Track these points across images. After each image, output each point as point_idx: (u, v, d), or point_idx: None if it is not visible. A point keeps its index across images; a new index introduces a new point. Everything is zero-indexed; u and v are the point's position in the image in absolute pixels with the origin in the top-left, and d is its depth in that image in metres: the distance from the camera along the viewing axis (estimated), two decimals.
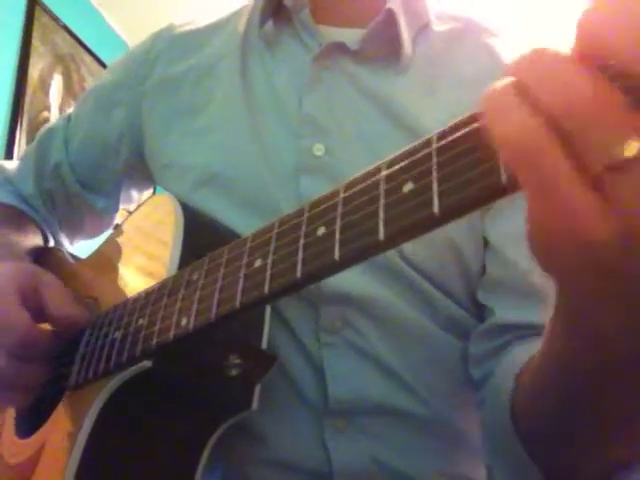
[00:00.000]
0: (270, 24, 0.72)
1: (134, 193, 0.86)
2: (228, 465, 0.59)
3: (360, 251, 0.32)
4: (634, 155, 0.22)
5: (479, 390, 0.58)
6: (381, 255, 0.57)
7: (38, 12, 2.18)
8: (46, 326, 0.62)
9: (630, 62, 0.22)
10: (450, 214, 0.27)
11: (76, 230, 0.88)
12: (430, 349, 0.61)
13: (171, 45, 0.77)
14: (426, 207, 0.28)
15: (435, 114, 0.63)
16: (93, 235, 0.89)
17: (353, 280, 0.59)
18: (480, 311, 0.62)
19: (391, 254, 0.59)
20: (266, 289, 0.38)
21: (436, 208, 0.27)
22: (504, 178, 0.25)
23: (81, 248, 0.86)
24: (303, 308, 0.59)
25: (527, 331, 0.55)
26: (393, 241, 0.31)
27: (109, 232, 0.86)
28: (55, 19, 2.28)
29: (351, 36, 0.67)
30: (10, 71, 2.04)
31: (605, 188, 0.23)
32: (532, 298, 0.56)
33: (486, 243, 0.62)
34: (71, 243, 0.89)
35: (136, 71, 0.78)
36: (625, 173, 0.22)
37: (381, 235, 0.30)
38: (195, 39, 0.77)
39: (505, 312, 0.57)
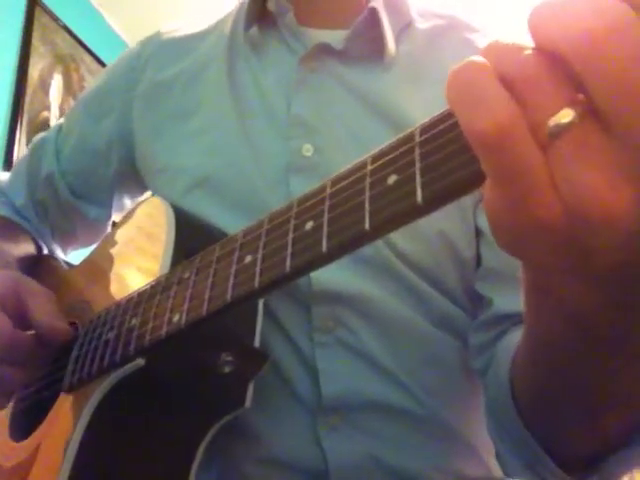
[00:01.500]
0: (255, 29, 0.73)
1: (127, 201, 0.86)
2: (224, 464, 0.59)
3: (347, 242, 0.33)
4: (569, 121, 0.22)
5: (482, 378, 0.58)
6: (375, 253, 0.59)
7: (38, 12, 2.18)
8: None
9: (567, 52, 0.23)
10: (433, 203, 0.28)
11: (69, 239, 0.88)
12: (423, 347, 0.61)
13: (160, 50, 0.78)
14: (410, 197, 0.28)
15: (421, 109, 0.63)
16: (86, 244, 0.89)
17: (345, 279, 0.59)
18: (476, 303, 0.63)
19: (385, 252, 0.60)
20: (256, 283, 0.38)
21: (419, 198, 0.28)
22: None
23: (78, 256, 0.86)
24: (296, 308, 0.60)
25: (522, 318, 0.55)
26: (378, 231, 0.31)
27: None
28: (55, 19, 2.28)
29: (336, 37, 0.68)
30: (10, 71, 2.04)
31: (550, 157, 0.23)
32: None
33: (480, 233, 0.63)
34: (64, 253, 0.89)
35: (126, 77, 0.79)
36: (563, 140, 0.23)
37: (367, 225, 0.31)
38: (183, 44, 0.77)
39: (503, 301, 0.58)
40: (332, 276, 0.58)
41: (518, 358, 0.45)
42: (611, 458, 0.41)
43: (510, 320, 0.56)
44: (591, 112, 0.22)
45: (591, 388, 0.36)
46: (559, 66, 0.23)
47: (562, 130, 0.23)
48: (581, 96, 0.23)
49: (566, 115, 0.23)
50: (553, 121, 0.23)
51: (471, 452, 0.62)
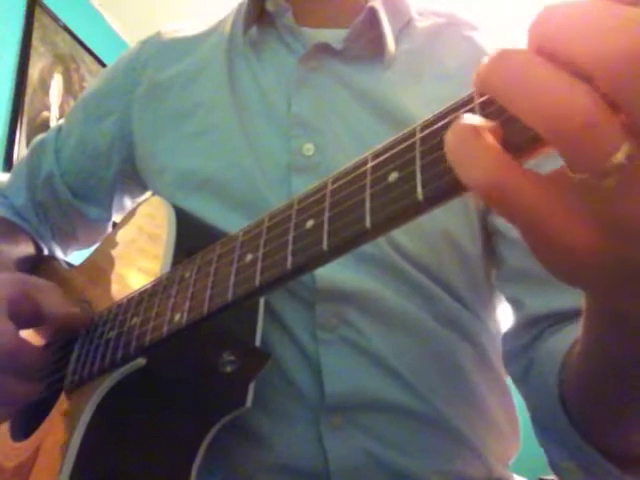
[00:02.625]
0: (254, 29, 0.73)
1: (127, 201, 0.86)
2: (227, 467, 0.59)
3: (348, 240, 0.32)
4: (620, 162, 0.21)
5: (518, 384, 0.58)
6: (378, 251, 0.59)
7: (38, 12, 2.19)
8: (37, 338, 0.62)
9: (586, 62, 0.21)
10: (434, 200, 0.28)
11: (69, 240, 0.88)
12: (427, 345, 0.60)
13: (159, 51, 0.78)
14: (410, 194, 0.28)
15: (421, 107, 0.63)
16: (87, 245, 0.89)
17: (348, 276, 0.59)
18: (482, 304, 0.63)
19: (387, 250, 0.60)
20: (257, 282, 0.38)
21: (420, 195, 0.28)
22: None
23: (78, 256, 0.86)
24: (299, 306, 0.59)
25: (559, 318, 0.55)
26: (379, 229, 0.31)
27: None
28: (55, 19, 2.28)
29: (335, 36, 0.68)
30: (10, 71, 2.04)
31: (583, 196, 0.23)
32: (560, 285, 0.57)
33: (498, 233, 0.62)
34: (64, 254, 0.89)
35: (125, 78, 0.79)
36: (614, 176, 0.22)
37: (367, 223, 0.31)
38: (183, 45, 0.77)
39: (537, 303, 0.58)
40: (336, 274, 0.58)
41: (572, 368, 0.46)
42: None
43: (544, 322, 0.56)
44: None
45: None
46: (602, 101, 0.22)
47: (618, 168, 0.22)
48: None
49: (622, 152, 0.21)
50: (612, 160, 0.22)
51: (473, 453, 0.62)
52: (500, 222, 0.62)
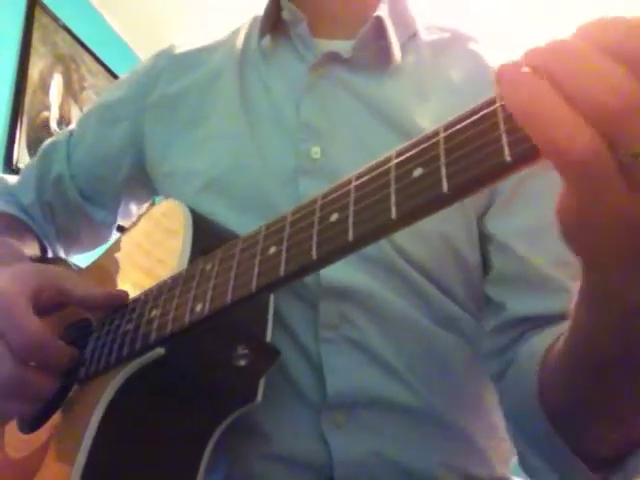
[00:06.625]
0: (268, 37, 0.75)
1: (133, 207, 0.88)
2: (231, 463, 0.60)
3: (373, 231, 0.34)
4: None
5: (497, 382, 0.59)
6: (380, 253, 0.61)
7: (38, 12, 2.18)
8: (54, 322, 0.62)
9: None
10: (459, 192, 0.30)
11: (73, 242, 0.89)
12: (426, 345, 0.62)
13: (172, 63, 0.80)
14: (436, 187, 0.30)
15: (426, 116, 0.65)
16: (89, 248, 0.91)
17: (350, 276, 0.60)
18: (483, 307, 0.64)
19: (390, 252, 0.61)
20: (282, 271, 0.39)
21: (445, 188, 0.30)
22: (508, 159, 0.28)
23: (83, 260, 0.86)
24: (301, 305, 0.61)
25: (540, 321, 0.57)
26: (405, 220, 0.32)
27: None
28: (55, 19, 2.28)
29: (346, 47, 0.70)
30: (10, 71, 2.04)
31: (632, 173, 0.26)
32: (544, 290, 0.58)
33: (490, 239, 0.64)
34: (67, 255, 0.90)
35: (139, 88, 0.81)
36: None
37: (393, 215, 0.32)
38: (195, 57, 0.80)
39: (517, 305, 0.59)
40: (340, 273, 0.59)
41: (552, 363, 0.47)
42: (637, 451, 0.43)
43: (526, 324, 0.57)
44: None
45: (630, 393, 0.38)
46: None
47: None
48: None
49: None
50: None
51: (474, 450, 0.63)
52: (492, 226, 0.64)
